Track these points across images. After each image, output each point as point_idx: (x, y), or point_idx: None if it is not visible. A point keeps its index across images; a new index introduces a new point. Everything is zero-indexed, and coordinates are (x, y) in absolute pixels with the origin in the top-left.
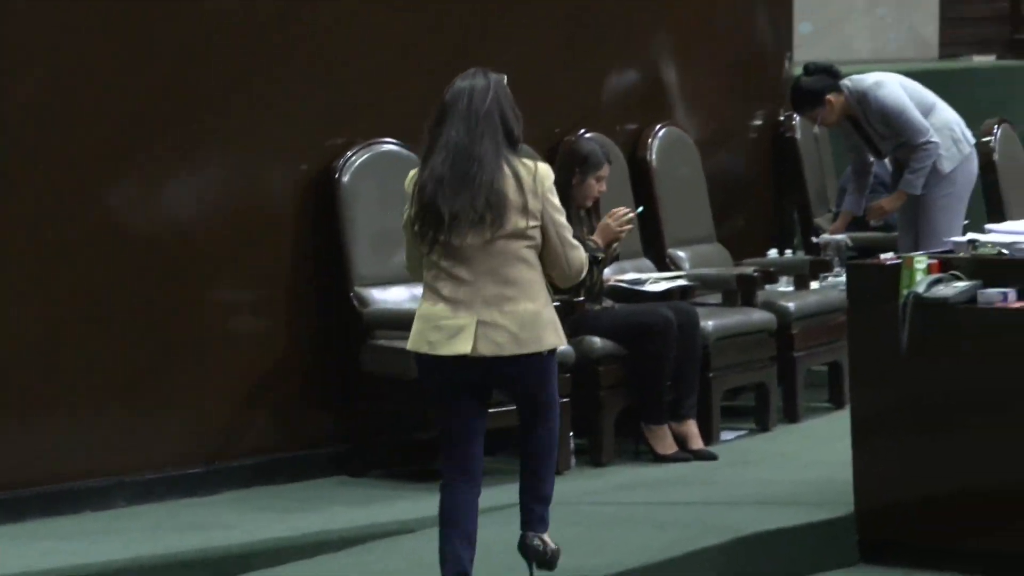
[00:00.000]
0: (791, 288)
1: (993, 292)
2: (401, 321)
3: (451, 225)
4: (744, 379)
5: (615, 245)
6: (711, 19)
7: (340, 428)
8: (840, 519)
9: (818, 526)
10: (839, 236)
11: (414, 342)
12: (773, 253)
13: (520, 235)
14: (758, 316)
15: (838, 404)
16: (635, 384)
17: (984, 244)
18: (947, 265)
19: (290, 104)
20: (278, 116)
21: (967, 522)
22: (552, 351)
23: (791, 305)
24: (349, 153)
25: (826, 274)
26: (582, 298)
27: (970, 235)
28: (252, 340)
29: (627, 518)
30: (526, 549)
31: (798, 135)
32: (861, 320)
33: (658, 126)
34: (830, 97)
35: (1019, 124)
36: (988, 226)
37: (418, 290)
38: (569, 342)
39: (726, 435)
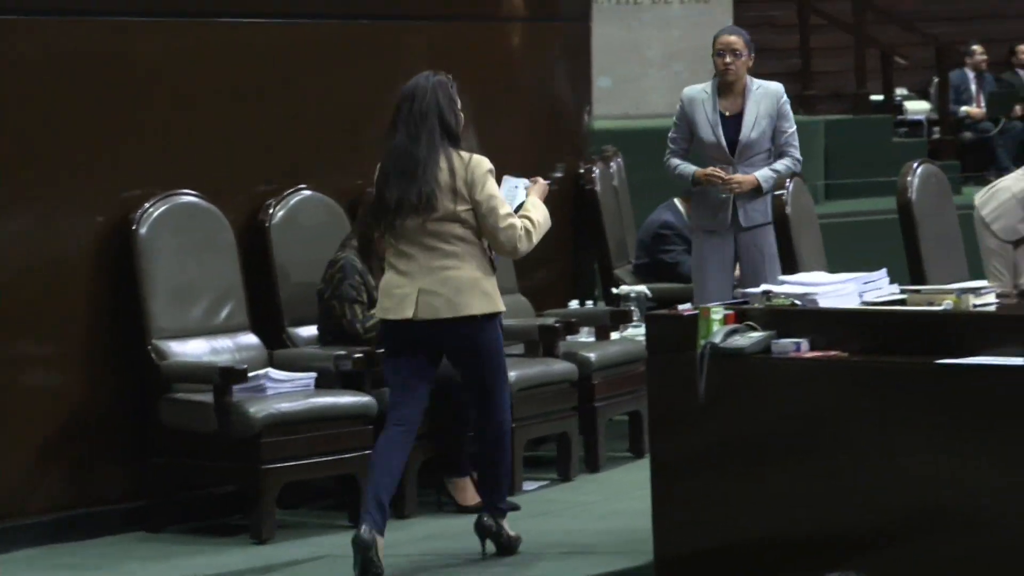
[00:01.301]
0: (592, 339)
1: (786, 342)
2: (199, 374)
3: (395, 211)
4: (546, 429)
5: None
6: (512, 74)
7: (137, 483)
8: (640, 568)
9: (619, 575)
10: (639, 287)
11: (378, 310)
12: (574, 304)
13: (452, 217)
14: (560, 367)
15: (638, 453)
16: (437, 436)
17: (778, 295)
18: (742, 316)
19: (86, 155)
20: (74, 167)
21: (765, 569)
22: (488, 318)
23: (592, 355)
24: (146, 204)
25: (626, 325)
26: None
27: (764, 286)
28: (47, 394)
29: (429, 570)
30: (479, 527)
31: (598, 187)
32: (660, 370)
33: None
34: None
35: (810, 177)
36: (782, 277)
37: (217, 343)
38: (372, 394)
39: (528, 485)
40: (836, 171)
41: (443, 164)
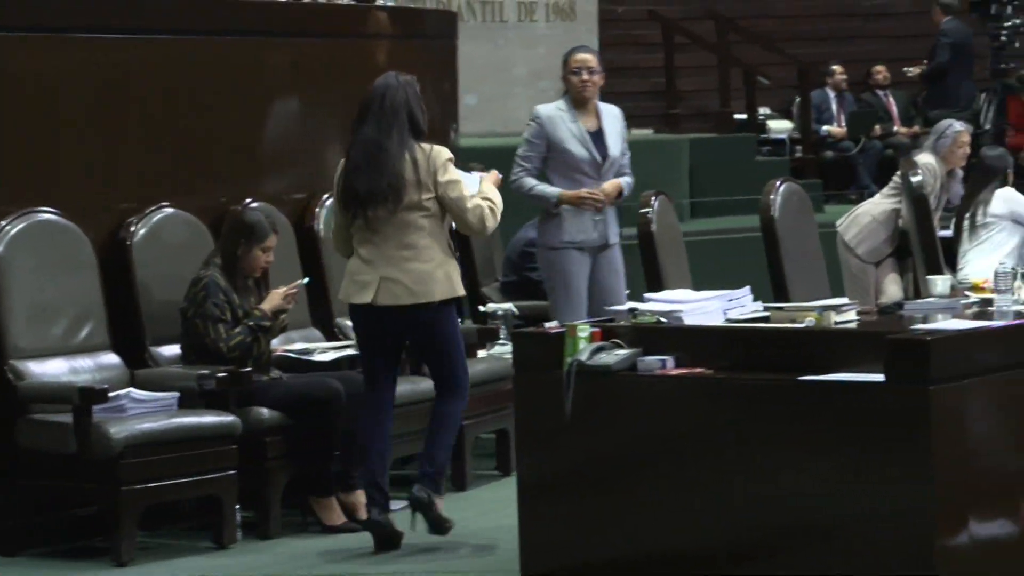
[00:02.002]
0: None
1: (652, 360)
2: (58, 394)
3: (364, 202)
4: (414, 448)
5: (283, 316)
6: None
7: None
8: None
9: None
10: (506, 305)
11: (341, 292)
12: None
13: (417, 207)
14: (426, 385)
15: (505, 471)
16: (302, 455)
17: (644, 313)
18: (609, 333)
19: None
20: None
21: None
22: (446, 304)
23: None
24: (4, 223)
25: (493, 342)
26: (249, 368)
27: (630, 304)
28: None
29: None
30: (412, 500)
31: None
32: (527, 388)
33: (325, 195)
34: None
35: (675, 195)
36: (647, 295)
37: (77, 362)
38: (236, 413)
39: (394, 504)
40: (700, 189)
41: (408, 156)
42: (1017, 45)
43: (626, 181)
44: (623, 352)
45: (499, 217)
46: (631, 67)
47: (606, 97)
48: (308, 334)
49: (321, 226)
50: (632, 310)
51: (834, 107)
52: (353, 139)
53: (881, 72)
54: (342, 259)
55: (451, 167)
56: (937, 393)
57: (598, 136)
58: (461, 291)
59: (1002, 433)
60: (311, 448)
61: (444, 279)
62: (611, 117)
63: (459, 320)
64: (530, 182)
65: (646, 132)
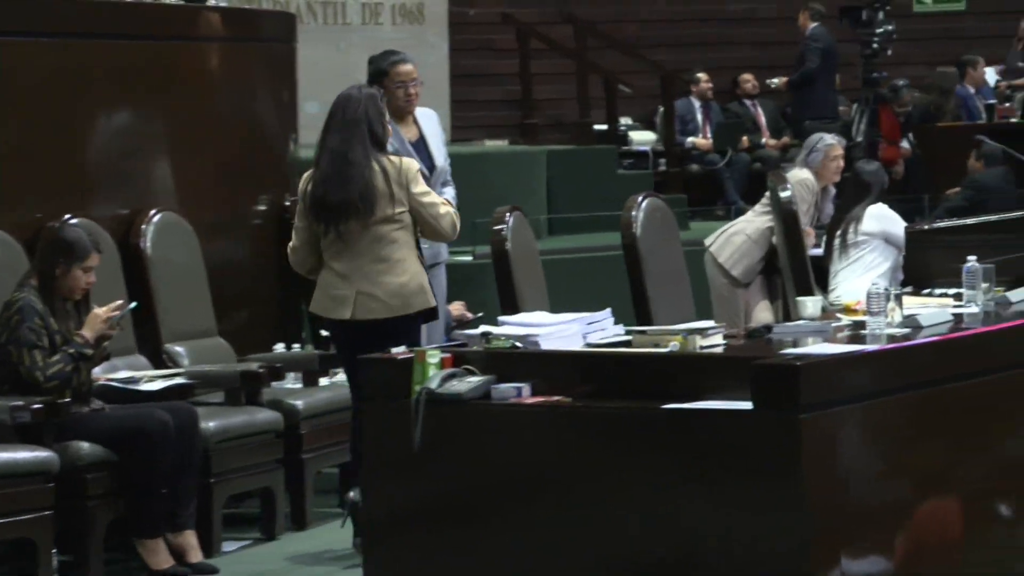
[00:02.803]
0: (299, 385)
1: (507, 387)
2: None
3: (336, 214)
4: (248, 484)
5: (105, 342)
6: (209, 99)
7: None
8: None
9: None
10: None
11: (314, 306)
12: (280, 347)
13: (390, 220)
14: (264, 416)
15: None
16: (127, 493)
17: (498, 337)
18: (460, 359)
19: None
20: None
21: None
22: (421, 314)
23: (299, 403)
24: None
25: (337, 370)
26: (68, 399)
27: (483, 327)
28: None
29: None
30: (346, 503)
31: None
32: (372, 418)
33: (153, 211)
34: None
35: (532, 211)
36: (502, 318)
37: None
38: (54, 448)
39: (228, 546)
40: (558, 204)
41: (376, 168)
42: (889, 53)
43: (451, 194)
44: (475, 379)
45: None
46: (484, 74)
47: (458, 106)
48: (134, 361)
49: (148, 244)
50: (486, 334)
51: (699, 117)
52: (320, 148)
53: (749, 81)
54: (171, 280)
55: (420, 179)
56: (808, 421)
57: (421, 146)
58: (434, 301)
59: (876, 462)
60: (136, 485)
61: (419, 290)
62: (430, 123)
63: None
64: None
65: (500, 143)
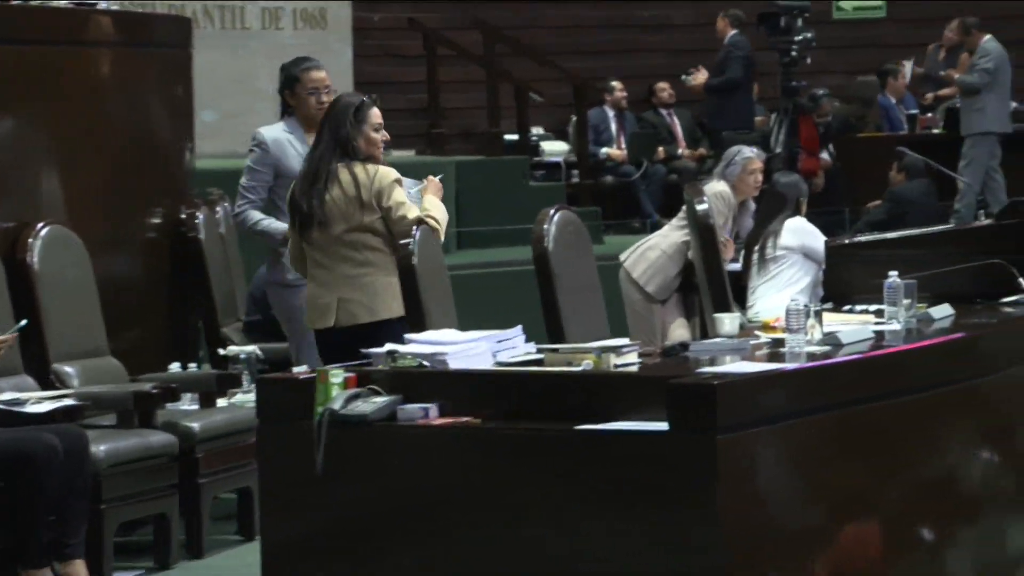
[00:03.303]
0: (196, 406)
1: (414, 408)
2: None
3: (307, 223)
4: (142, 511)
5: None
6: (99, 107)
7: None
8: None
9: None
10: (249, 348)
11: (307, 320)
12: (175, 367)
13: (365, 228)
14: (158, 439)
15: (248, 535)
16: (10, 521)
17: (404, 356)
18: (365, 379)
19: None
20: None
21: None
22: (401, 321)
23: (195, 425)
24: None
25: (235, 390)
26: None
27: (389, 346)
28: None
29: None
30: None
31: (202, 235)
32: (273, 440)
33: (40, 224)
34: None
35: None
36: (408, 336)
37: None
38: None
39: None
40: (467, 217)
41: (345, 177)
42: (808, 61)
43: None
44: (381, 400)
45: (442, 234)
46: (389, 81)
47: None
48: (20, 382)
49: (36, 259)
50: (391, 353)
51: (613, 127)
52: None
53: (665, 89)
54: (60, 297)
55: (396, 189)
56: (725, 442)
57: None
58: (399, 312)
59: (795, 485)
60: (20, 512)
61: (395, 297)
62: None
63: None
64: (255, 216)
65: (407, 154)
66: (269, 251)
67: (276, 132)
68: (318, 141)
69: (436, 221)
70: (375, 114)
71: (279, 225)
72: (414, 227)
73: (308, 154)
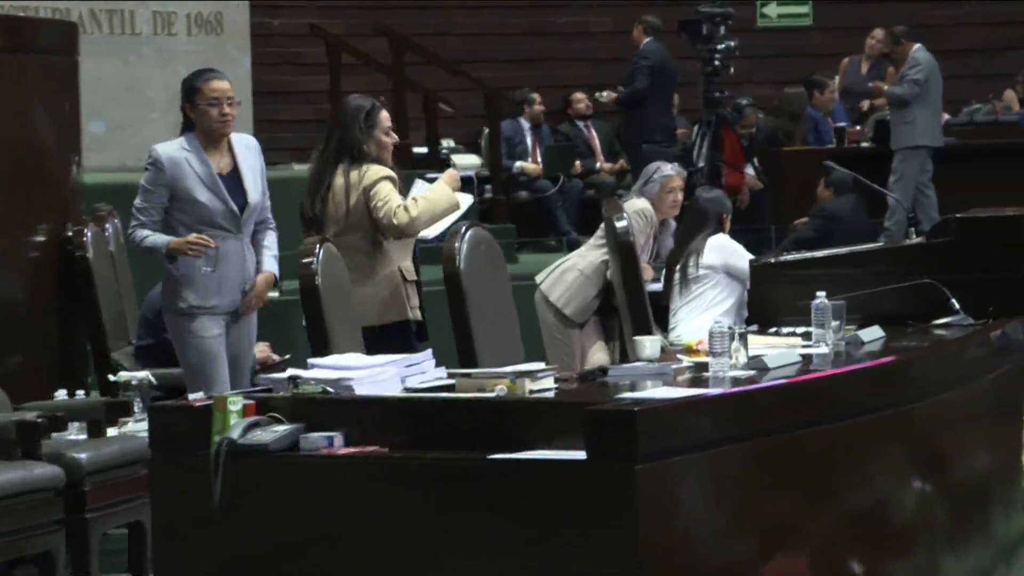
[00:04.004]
0: (83, 436)
1: (317, 437)
2: None
3: (312, 229)
4: (24, 548)
5: None
6: None
7: None
8: None
9: None
10: (141, 374)
11: None
12: (61, 394)
13: (356, 227)
14: (42, 471)
15: (139, 573)
16: None
17: (307, 381)
18: (265, 406)
19: None
20: None
21: None
22: (401, 324)
23: (83, 457)
24: None
25: (126, 419)
26: None
27: (291, 371)
28: None
29: None
30: None
31: (90, 253)
32: (166, 472)
33: None
34: None
35: None
36: (311, 360)
37: None
38: None
39: None
40: None
41: (339, 180)
42: (732, 70)
43: (271, 239)
44: (282, 428)
45: (421, 212)
46: (290, 91)
47: (262, 126)
48: None
49: None
50: (293, 378)
51: (528, 140)
52: None
53: (582, 100)
54: None
55: (382, 184)
56: (645, 472)
57: (233, 179)
58: (407, 313)
59: (719, 516)
60: None
61: (385, 303)
62: (247, 152)
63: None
64: (143, 233)
65: (308, 167)
66: (165, 273)
67: (172, 150)
68: (325, 145)
69: (416, 199)
70: (385, 117)
71: (162, 238)
72: (392, 217)
73: (315, 157)
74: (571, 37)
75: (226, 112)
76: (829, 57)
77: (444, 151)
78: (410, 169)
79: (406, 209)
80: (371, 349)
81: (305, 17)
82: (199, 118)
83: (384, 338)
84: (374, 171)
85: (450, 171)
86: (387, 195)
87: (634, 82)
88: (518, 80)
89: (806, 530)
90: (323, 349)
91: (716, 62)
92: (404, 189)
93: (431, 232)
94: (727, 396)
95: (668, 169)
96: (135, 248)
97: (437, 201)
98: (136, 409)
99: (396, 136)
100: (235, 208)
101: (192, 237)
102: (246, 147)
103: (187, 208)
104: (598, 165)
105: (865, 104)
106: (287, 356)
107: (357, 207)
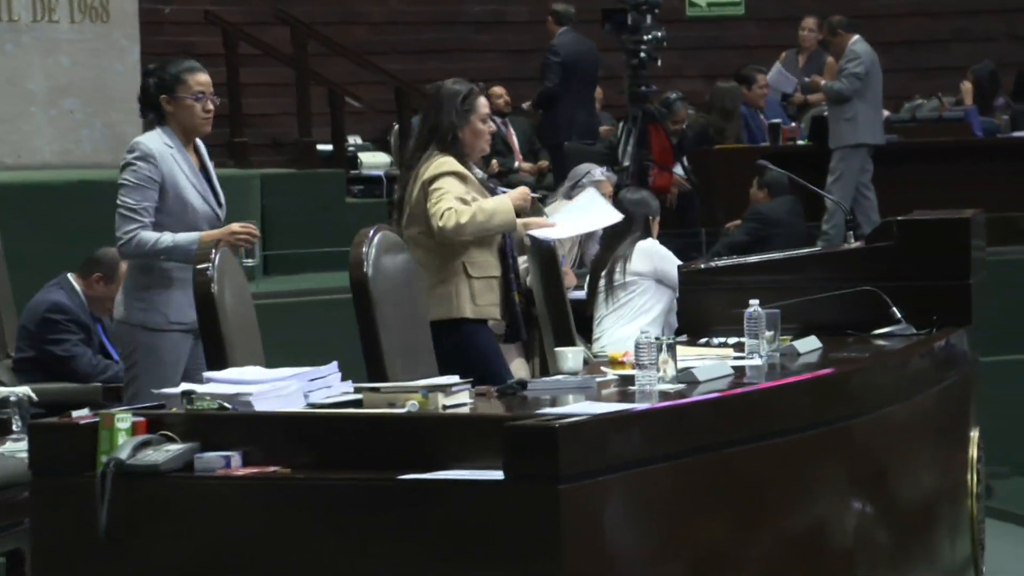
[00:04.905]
0: None
1: (213, 456)
2: None
3: (394, 210)
4: None
5: None
6: None
7: None
8: None
9: None
10: (21, 389)
11: None
12: None
13: (414, 220)
14: None
15: None
16: None
17: (202, 397)
18: (157, 424)
19: None
20: None
21: None
22: (446, 324)
23: None
24: None
25: (4, 437)
26: None
27: (184, 386)
28: None
29: None
30: None
31: None
32: (49, 495)
33: None
34: None
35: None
36: (207, 374)
37: None
38: None
39: None
40: (275, 239)
41: (416, 170)
42: (659, 63)
43: None
44: (175, 447)
45: (467, 220)
46: None
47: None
48: None
49: None
50: (187, 393)
51: None
52: None
53: (502, 96)
54: None
55: (443, 181)
56: (568, 492)
57: (207, 180)
58: (466, 311)
59: (647, 539)
60: None
61: (438, 299)
62: (204, 151)
63: (477, 343)
64: (150, 235)
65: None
66: (127, 282)
67: (158, 143)
68: (419, 131)
69: (479, 208)
70: (483, 103)
71: (188, 235)
72: (438, 219)
73: (410, 147)
74: (485, 27)
75: (209, 108)
76: (763, 49)
77: (351, 149)
78: (315, 167)
79: (456, 214)
80: (447, 346)
81: (199, 3)
82: (180, 112)
83: (437, 336)
84: (439, 163)
85: (523, 188)
86: (444, 192)
87: (545, 78)
88: (429, 72)
89: (740, 554)
90: (219, 362)
91: (642, 54)
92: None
93: (555, 233)
94: (655, 411)
95: (598, 174)
96: (141, 253)
97: (493, 213)
98: (15, 427)
99: (493, 125)
100: (217, 211)
101: (236, 226)
102: (202, 146)
103: (173, 210)
104: (516, 164)
105: (800, 97)
106: None
107: (418, 199)
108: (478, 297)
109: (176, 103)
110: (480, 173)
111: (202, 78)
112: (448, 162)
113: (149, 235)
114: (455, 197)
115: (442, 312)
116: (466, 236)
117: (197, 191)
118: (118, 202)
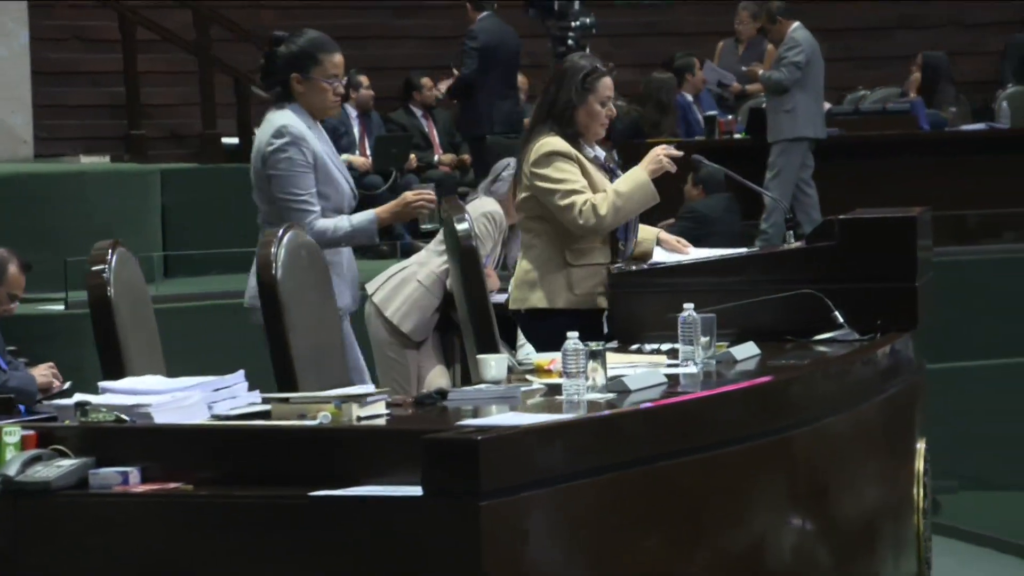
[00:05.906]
0: None
1: (109, 472)
2: None
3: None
4: None
5: None
6: None
7: None
8: None
9: None
10: None
11: None
12: None
13: (521, 206)
14: None
15: None
16: None
17: (97, 408)
18: (48, 437)
19: None
20: None
21: None
22: (538, 313)
23: None
24: None
25: None
26: None
27: (79, 396)
28: None
29: None
30: None
31: None
32: None
33: None
34: None
35: (142, 247)
36: (102, 384)
37: None
38: None
39: None
40: (177, 238)
41: (530, 147)
42: (588, 49)
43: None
44: (68, 463)
45: (609, 210)
46: (76, 71)
47: (43, 112)
48: None
49: None
50: (81, 404)
51: (356, 129)
52: None
53: (427, 84)
54: None
55: (551, 162)
56: (490, 509)
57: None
58: (558, 302)
59: (576, 559)
60: None
61: (532, 284)
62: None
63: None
64: (328, 222)
65: (100, 160)
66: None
67: (298, 123)
68: (539, 104)
69: (616, 194)
70: (606, 84)
71: (364, 214)
72: (578, 217)
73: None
74: (403, 11)
75: (340, 92)
76: (698, 36)
77: None
78: (220, 162)
79: (593, 208)
80: (525, 331)
81: None
82: (311, 94)
83: (533, 326)
84: (542, 144)
85: (656, 150)
86: (562, 180)
87: (462, 66)
88: (349, 60)
89: (674, 573)
90: (116, 370)
91: (570, 42)
92: None
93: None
94: (583, 422)
95: None
96: (326, 240)
97: (630, 195)
98: None
99: (614, 110)
100: (356, 191)
101: (409, 195)
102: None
103: (325, 193)
104: (436, 158)
105: (736, 86)
106: (68, 383)
107: (522, 184)
108: (576, 286)
109: (308, 84)
110: (598, 152)
111: (338, 59)
112: (551, 142)
113: (325, 223)
114: (581, 186)
115: (515, 298)
116: (607, 229)
117: (340, 172)
118: (281, 195)
